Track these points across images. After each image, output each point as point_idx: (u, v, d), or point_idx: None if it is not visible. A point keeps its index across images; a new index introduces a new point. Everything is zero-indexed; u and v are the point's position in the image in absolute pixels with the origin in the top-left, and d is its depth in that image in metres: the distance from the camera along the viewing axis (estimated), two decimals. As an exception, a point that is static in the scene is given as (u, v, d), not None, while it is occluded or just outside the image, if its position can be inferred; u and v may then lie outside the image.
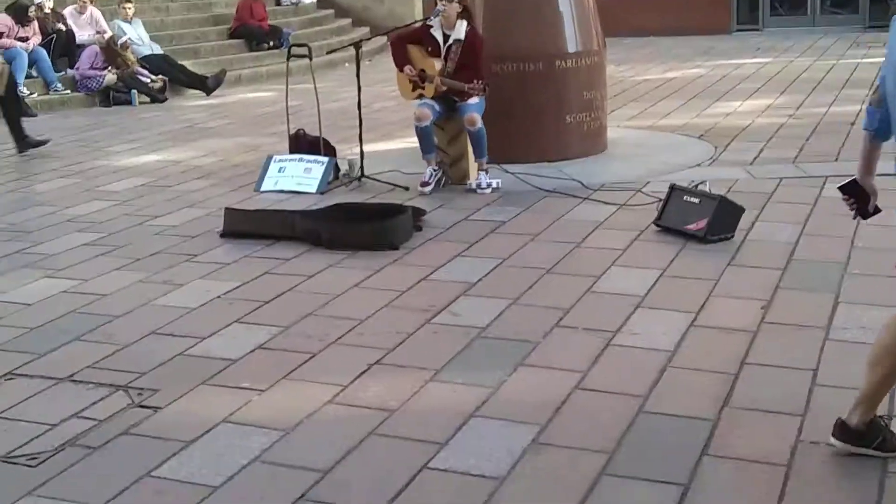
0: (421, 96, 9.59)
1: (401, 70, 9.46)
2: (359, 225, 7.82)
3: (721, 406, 4.98)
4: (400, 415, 5.01)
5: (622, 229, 8.07)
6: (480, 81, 8.99)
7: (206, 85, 17.74)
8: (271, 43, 21.12)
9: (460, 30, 9.33)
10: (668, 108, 13.93)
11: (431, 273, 7.22)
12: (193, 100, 17.30)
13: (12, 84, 12.57)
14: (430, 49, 9.47)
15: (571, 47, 10.39)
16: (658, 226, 7.97)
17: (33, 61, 17.04)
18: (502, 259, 7.40)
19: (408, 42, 9.56)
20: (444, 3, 9.18)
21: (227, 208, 8.53)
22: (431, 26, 9.47)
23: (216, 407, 5.17)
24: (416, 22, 10.18)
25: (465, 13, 9.47)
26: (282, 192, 9.88)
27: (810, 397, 5.04)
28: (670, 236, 7.87)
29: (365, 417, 4.97)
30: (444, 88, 9.24)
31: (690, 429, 4.72)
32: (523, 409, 4.98)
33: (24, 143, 12.45)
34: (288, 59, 10.40)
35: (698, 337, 5.90)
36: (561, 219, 8.45)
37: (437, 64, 9.44)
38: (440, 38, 9.44)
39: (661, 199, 8.14)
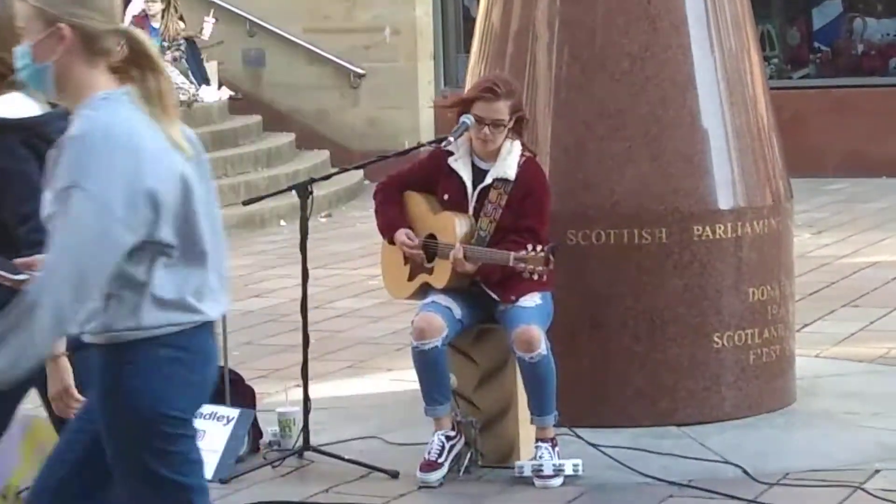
0: (426, 288, 7.65)
1: (390, 240, 7.66)
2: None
3: None
4: None
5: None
6: (542, 249, 7.15)
7: None
8: None
9: (509, 161, 7.44)
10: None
11: None
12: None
13: None
14: (447, 196, 7.61)
15: (725, 201, 8.65)
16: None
17: None
18: None
19: (407, 186, 7.80)
20: (487, 126, 7.25)
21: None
22: (451, 154, 7.56)
23: None
24: (420, 146, 8.66)
25: (518, 127, 7.42)
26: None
27: None
28: None
29: None
30: (472, 270, 7.44)
31: None
32: None
33: None
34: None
35: None
36: (703, 547, 7.66)
37: (461, 224, 7.59)
38: (467, 176, 7.57)
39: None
